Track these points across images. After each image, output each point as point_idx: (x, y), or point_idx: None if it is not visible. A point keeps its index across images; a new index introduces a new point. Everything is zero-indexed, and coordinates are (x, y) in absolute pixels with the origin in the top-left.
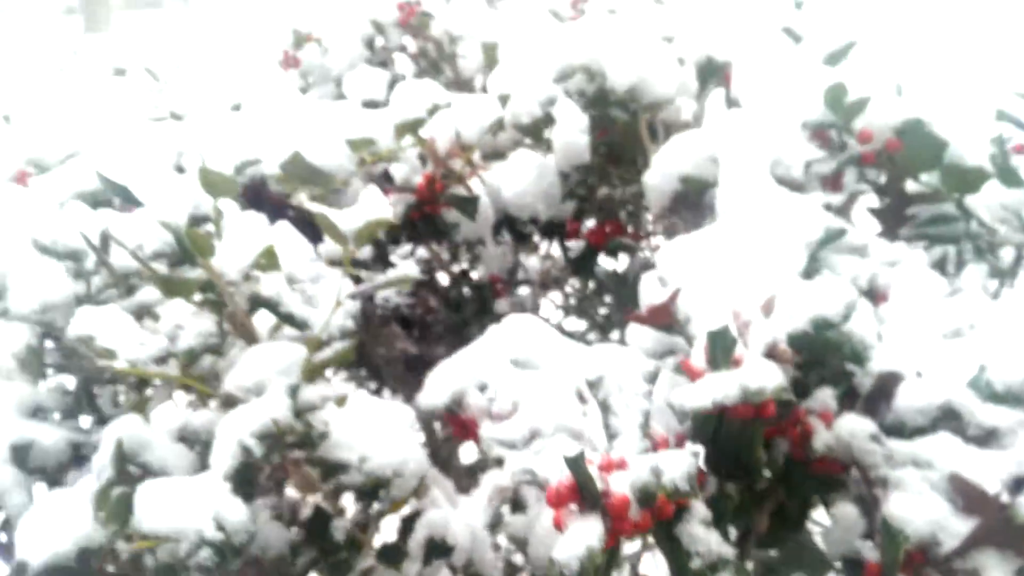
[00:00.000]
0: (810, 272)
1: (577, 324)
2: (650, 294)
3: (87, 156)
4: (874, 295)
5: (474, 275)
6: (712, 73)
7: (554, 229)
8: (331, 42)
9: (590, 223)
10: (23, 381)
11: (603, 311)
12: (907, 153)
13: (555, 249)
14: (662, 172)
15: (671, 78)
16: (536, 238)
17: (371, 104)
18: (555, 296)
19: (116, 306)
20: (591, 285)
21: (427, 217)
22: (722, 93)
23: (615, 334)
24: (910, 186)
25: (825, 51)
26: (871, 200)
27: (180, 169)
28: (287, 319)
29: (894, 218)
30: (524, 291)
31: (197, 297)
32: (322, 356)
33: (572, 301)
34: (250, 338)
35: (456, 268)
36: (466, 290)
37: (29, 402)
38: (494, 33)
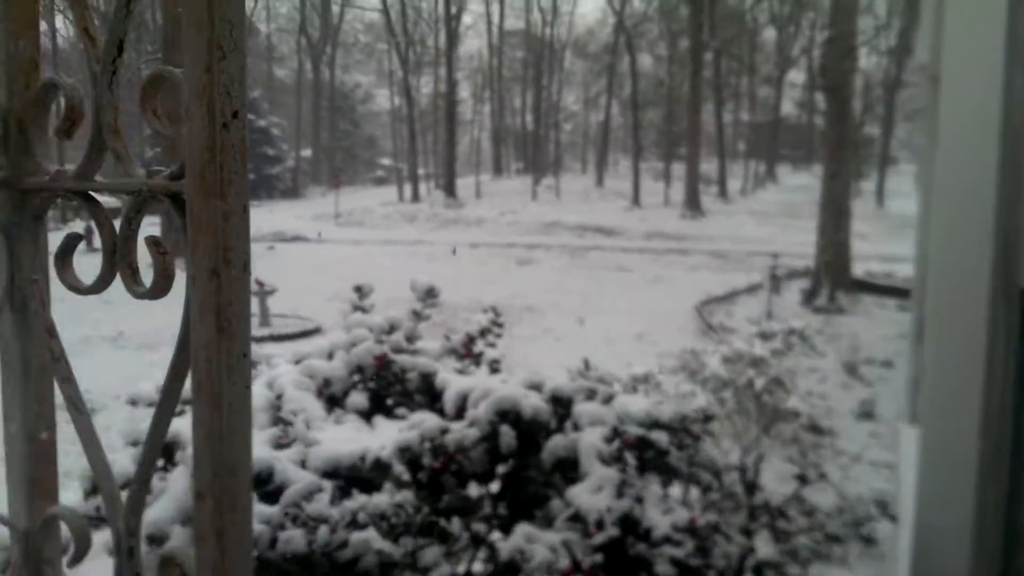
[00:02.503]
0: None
1: None
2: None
3: None
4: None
5: None
6: (559, 403)
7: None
8: (333, 376)
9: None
10: None
11: None
12: None
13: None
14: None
15: (548, 411)
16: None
17: (362, 413)
18: None
19: None
20: None
21: None
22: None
23: None
24: None
25: None
26: None
27: None
28: None
29: None
30: None
31: None
32: None
33: None
34: None
35: None
36: None
37: None
38: (430, 367)
